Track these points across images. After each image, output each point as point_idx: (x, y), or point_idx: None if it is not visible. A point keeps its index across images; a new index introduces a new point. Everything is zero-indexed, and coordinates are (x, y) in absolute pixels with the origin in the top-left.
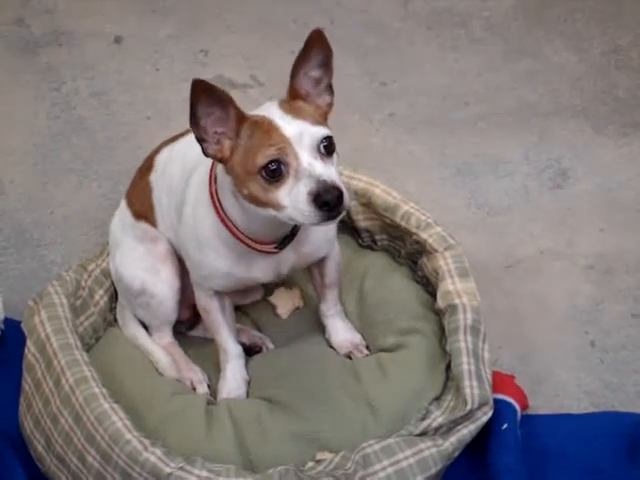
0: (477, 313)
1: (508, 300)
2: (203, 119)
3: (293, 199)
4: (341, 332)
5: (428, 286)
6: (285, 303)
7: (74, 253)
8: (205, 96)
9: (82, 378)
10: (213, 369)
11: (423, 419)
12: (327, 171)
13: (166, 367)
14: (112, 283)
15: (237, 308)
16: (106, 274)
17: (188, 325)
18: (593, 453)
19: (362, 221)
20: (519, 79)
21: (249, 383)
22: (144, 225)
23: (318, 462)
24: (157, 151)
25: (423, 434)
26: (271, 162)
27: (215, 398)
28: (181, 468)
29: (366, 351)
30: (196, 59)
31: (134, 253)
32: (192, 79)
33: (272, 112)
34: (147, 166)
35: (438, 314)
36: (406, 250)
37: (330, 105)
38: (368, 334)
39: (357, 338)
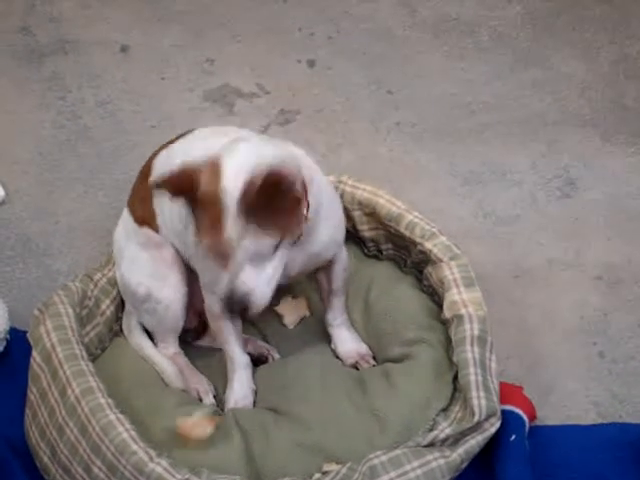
0: (484, 323)
1: (516, 310)
2: None
3: (218, 282)
4: (347, 342)
5: (434, 296)
6: (291, 313)
7: (80, 262)
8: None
9: (88, 389)
10: (220, 379)
11: (430, 430)
12: (250, 278)
13: (172, 377)
14: (118, 292)
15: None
16: (112, 283)
17: (194, 335)
18: (601, 464)
19: (367, 231)
20: (527, 88)
21: (256, 393)
22: (147, 231)
23: (325, 474)
24: (155, 154)
25: (430, 445)
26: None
27: (222, 408)
28: (187, 479)
29: (372, 361)
30: (202, 68)
31: (139, 260)
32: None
33: (232, 195)
34: (146, 170)
35: (445, 324)
36: (412, 260)
37: (300, 236)
38: (374, 344)
39: (363, 348)
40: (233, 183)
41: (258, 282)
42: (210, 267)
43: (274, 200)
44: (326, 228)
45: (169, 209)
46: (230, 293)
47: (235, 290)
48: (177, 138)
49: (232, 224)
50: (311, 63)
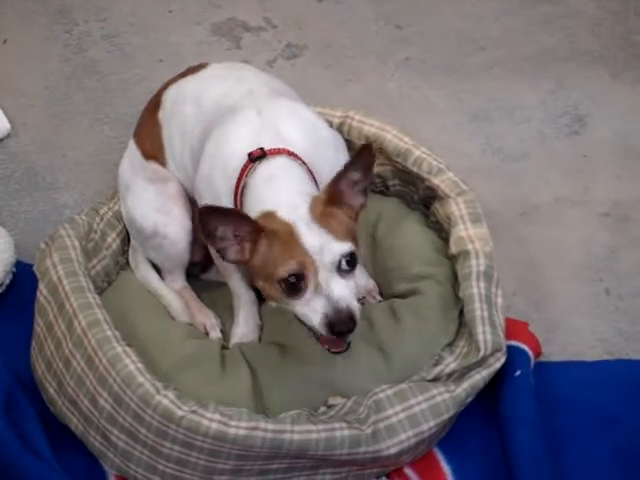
0: (490, 259)
1: (523, 247)
2: (220, 230)
3: (308, 312)
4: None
5: (441, 232)
6: None
7: (86, 196)
8: (215, 216)
9: (95, 321)
10: (226, 312)
11: (435, 365)
12: (344, 292)
13: (178, 311)
14: (124, 226)
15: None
16: (118, 217)
17: (201, 268)
18: (607, 401)
19: (374, 166)
20: (536, 24)
21: (262, 329)
22: (154, 165)
23: (330, 407)
24: (163, 88)
25: (435, 380)
26: (291, 275)
27: (228, 342)
28: (193, 411)
29: (379, 297)
30: (209, 1)
31: (145, 194)
32: (198, 210)
33: (300, 214)
34: (154, 104)
35: (451, 260)
36: (419, 195)
37: (363, 206)
38: (381, 280)
39: (371, 284)
40: (293, 209)
41: (352, 295)
42: (295, 304)
43: (335, 208)
44: None
45: (179, 143)
46: (333, 314)
47: (338, 311)
48: (187, 72)
49: (308, 234)
50: None
